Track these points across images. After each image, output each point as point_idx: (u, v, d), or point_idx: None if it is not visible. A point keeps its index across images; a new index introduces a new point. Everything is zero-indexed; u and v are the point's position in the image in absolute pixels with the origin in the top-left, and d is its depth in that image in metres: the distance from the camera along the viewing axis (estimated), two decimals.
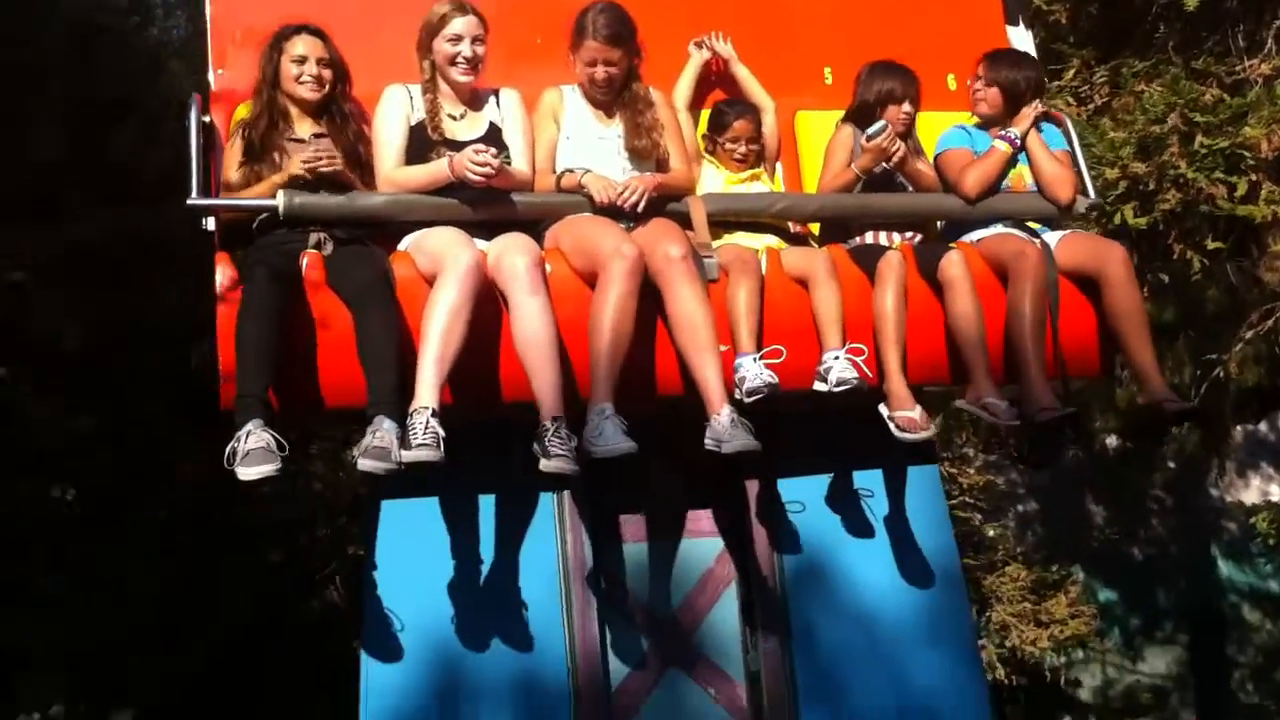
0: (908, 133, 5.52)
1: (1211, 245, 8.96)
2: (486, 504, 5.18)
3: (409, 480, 4.57)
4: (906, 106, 5.51)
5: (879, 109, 5.48)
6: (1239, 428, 14.67)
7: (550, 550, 5.17)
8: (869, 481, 5.54)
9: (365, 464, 4.12)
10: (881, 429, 4.98)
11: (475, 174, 4.65)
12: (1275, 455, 14.70)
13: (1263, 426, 14.88)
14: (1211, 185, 8.56)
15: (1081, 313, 5.24)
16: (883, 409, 4.91)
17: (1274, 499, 12.56)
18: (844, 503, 5.52)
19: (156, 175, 12.06)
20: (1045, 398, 4.86)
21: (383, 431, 4.17)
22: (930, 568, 5.49)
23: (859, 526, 5.52)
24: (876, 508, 5.51)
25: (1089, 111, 9.40)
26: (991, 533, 12.60)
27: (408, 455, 4.14)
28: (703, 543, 5.49)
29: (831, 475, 5.54)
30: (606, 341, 4.46)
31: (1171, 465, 14.70)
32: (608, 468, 4.58)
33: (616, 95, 5.19)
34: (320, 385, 4.57)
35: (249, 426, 4.13)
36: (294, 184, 4.68)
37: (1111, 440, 15.08)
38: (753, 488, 5.41)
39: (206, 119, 4.95)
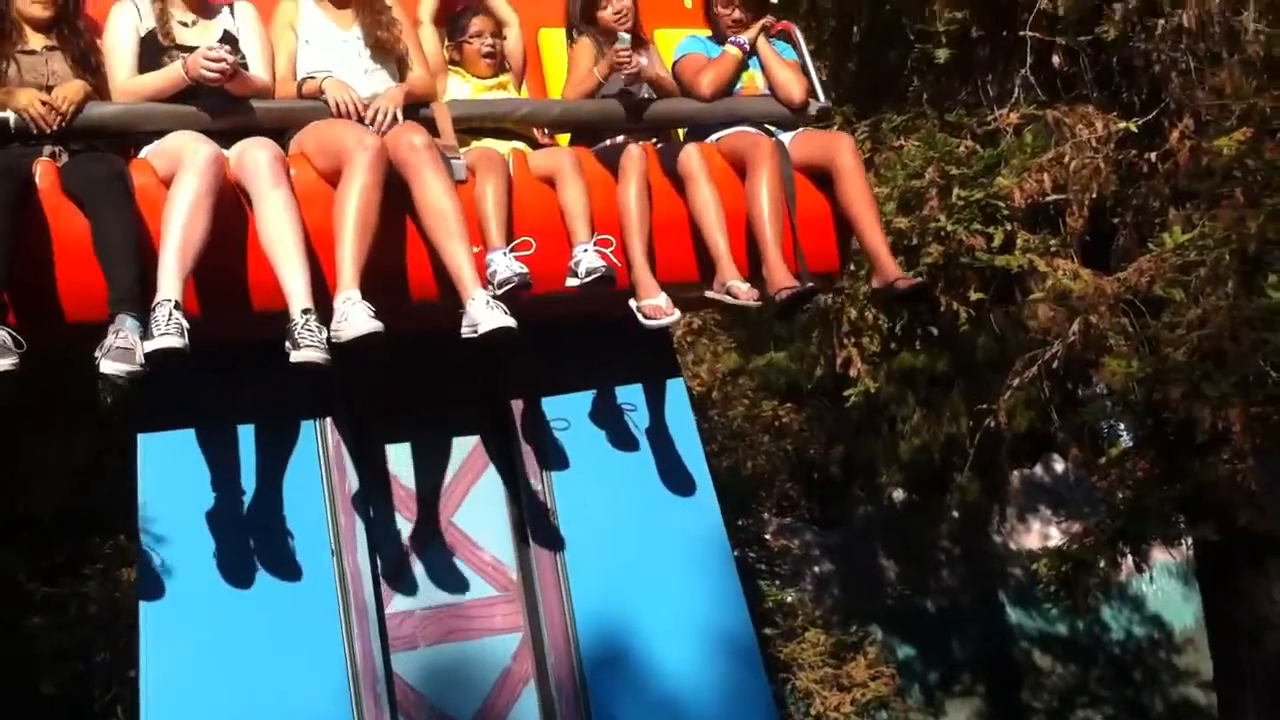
0: (633, 29, 5.59)
1: (975, 296, 9.20)
2: (246, 434, 5.09)
3: (167, 410, 4.70)
4: (616, 3, 5.59)
5: (590, 9, 5.59)
6: (1016, 473, 15.14)
7: (315, 481, 5.13)
8: (630, 396, 5.70)
9: (108, 366, 3.91)
10: (635, 342, 5.18)
11: (210, 69, 4.51)
12: (1052, 497, 15.23)
13: (1038, 470, 15.41)
14: (971, 236, 8.84)
15: (817, 207, 5.40)
16: (631, 302, 4.99)
17: (1053, 542, 12.93)
18: (606, 419, 5.62)
19: None
20: (784, 277, 4.98)
21: (125, 330, 4.00)
22: (684, 485, 5.66)
23: (622, 441, 5.63)
24: (637, 421, 5.66)
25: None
26: (790, 599, 12.65)
27: (150, 345, 3.98)
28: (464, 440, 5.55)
29: (593, 392, 5.65)
30: (351, 228, 4.39)
31: (955, 514, 15.06)
32: (370, 389, 4.71)
33: None
34: (59, 297, 4.38)
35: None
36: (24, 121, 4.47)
37: (898, 494, 15.38)
38: (518, 407, 5.48)
39: None
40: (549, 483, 5.47)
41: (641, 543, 5.52)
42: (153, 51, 4.81)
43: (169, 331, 4.00)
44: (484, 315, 4.35)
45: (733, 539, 5.95)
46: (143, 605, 4.87)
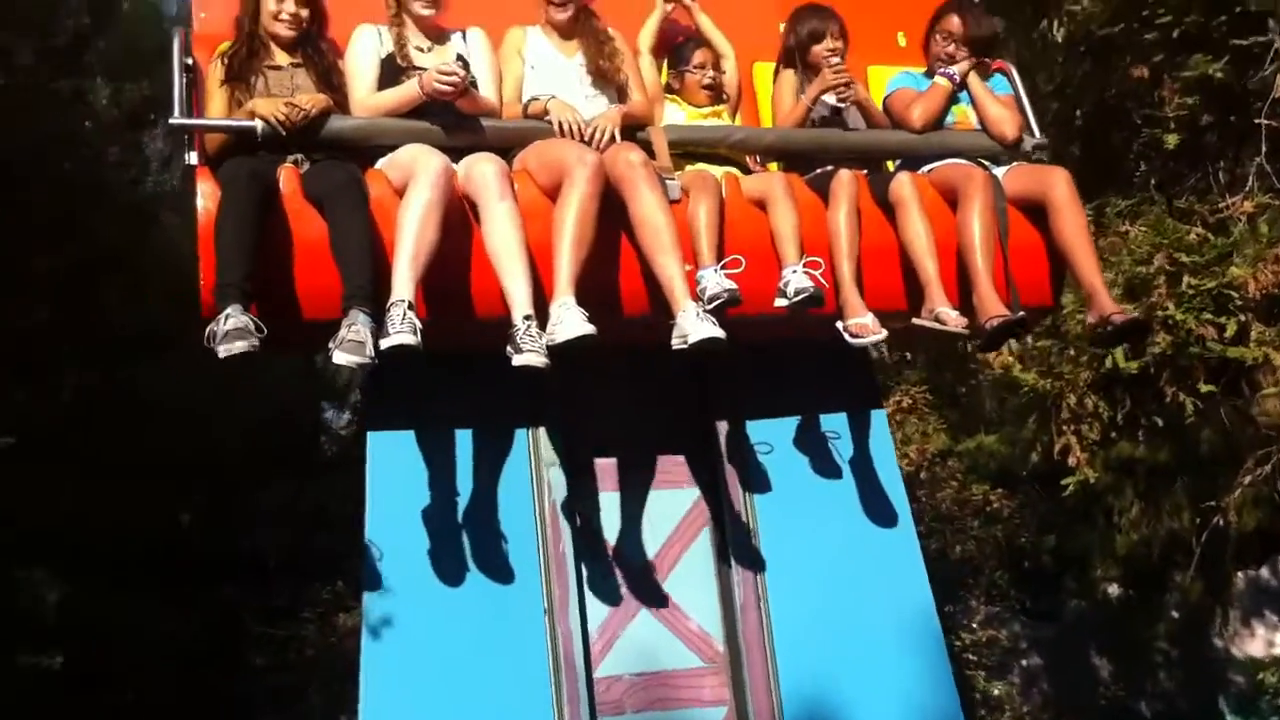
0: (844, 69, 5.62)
1: (1204, 388, 8.90)
2: (464, 438, 5.30)
3: (393, 412, 4.98)
4: (829, 42, 5.64)
5: (803, 51, 5.66)
6: (1241, 574, 14.44)
7: (525, 487, 5.29)
8: (834, 424, 5.74)
9: (340, 356, 4.15)
10: (842, 373, 5.37)
11: (443, 83, 4.79)
12: (1279, 602, 14.45)
13: (1265, 572, 14.65)
14: (1201, 326, 8.56)
15: (1031, 242, 5.34)
16: (839, 323, 5.03)
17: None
18: (810, 445, 5.66)
19: (148, 331, 12.19)
20: (995, 306, 4.93)
21: (358, 325, 4.22)
22: (881, 509, 5.67)
23: (825, 468, 5.68)
24: (841, 449, 5.69)
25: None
26: (997, 691, 12.30)
27: (386, 342, 4.20)
28: (677, 493, 5.60)
29: (799, 418, 5.69)
30: (568, 238, 4.59)
31: (1175, 615, 14.42)
32: (581, 404, 4.99)
33: (576, 25, 5.40)
34: (297, 295, 4.64)
35: (228, 310, 4.21)
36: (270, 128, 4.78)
37: (1113, 589, 14.84)
38: (723, 428, 5.55)
39: (189, 60, 5.08)
40: (752, 508, 5.52)
41: (848, 607, 5.49)
42: (390, 73, 5.09)
43: (404, 329, 4.21)
44: (694, 326, 4.45)
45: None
46: (366, 620, 5.07)
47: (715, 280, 4.74)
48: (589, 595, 5.35)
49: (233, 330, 4.16)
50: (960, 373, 15.42)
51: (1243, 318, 8.55)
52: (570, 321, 4.36)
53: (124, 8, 12.74)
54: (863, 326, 4.94)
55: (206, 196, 4.63)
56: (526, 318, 4.42)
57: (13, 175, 10.96)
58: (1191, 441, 11.88)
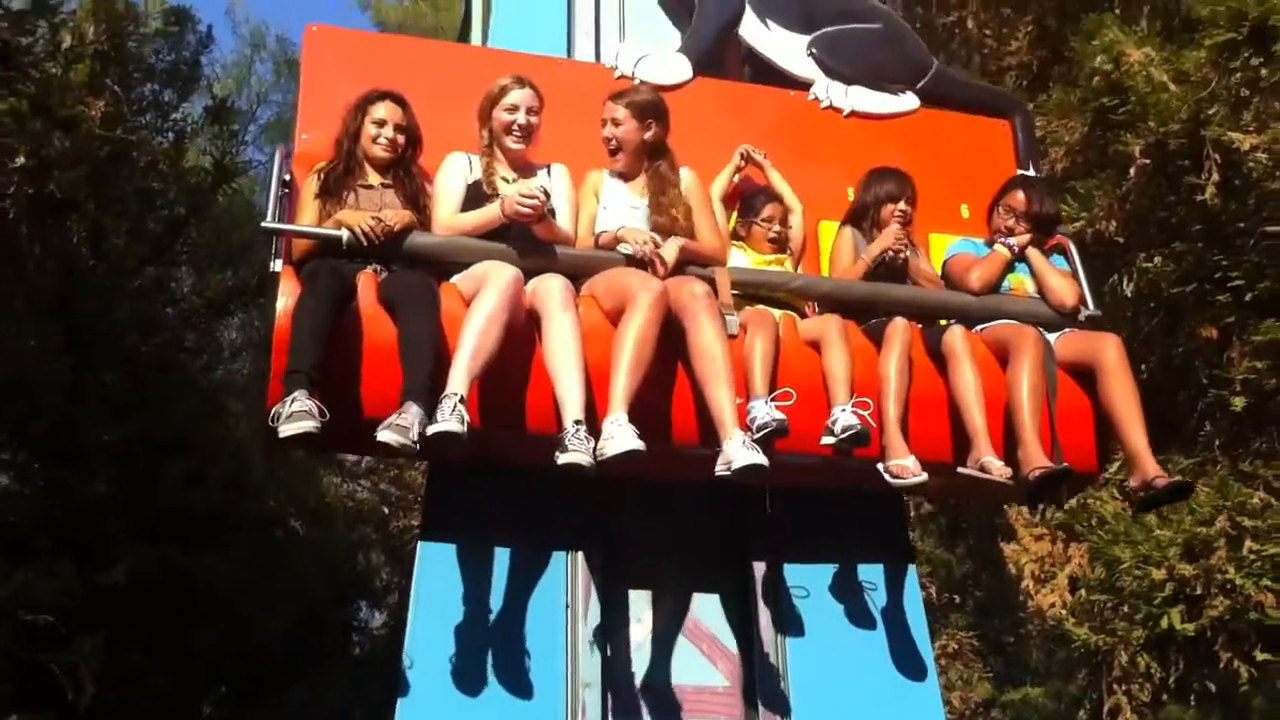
0: (906, 231, 5.80)
1: (1261, 656, 8.73)
2: (502, 556, 5.33)
3: (444, 525, 5.13)
4: (902, 205, 5.82)
5: (876, 209, 5.83)
6: None
7: (559, 611, 5.29)
8: (868, 575, 5.70)
9: (384, 435, 4.26)
10: (877, 526, 5.46)
11: (524, 205, 4.92)
12: None
13: None
14: (1260, 593, 8.44)
15: (1078, 404, 5.34)
16: (880, 465, 5.02)
17: None
18: (843, 592, 5.65)
19: (203, 515, 12.29)
20: (1039, 457, 4.92)
21: (409, 414, 4.33)
22: (909, 662, 5.59)
23: (858, 617, 5.62)
24: (875, 599, 5.66)
25: (1134, 507, 9.40)
26: None
27: (433, 429, 4.28)
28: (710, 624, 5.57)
29: (835, 566, 5.67)
30: (627, 358, 4.67)
31: None
32: (623, 538, 5.13)
33: (638, 165, 5.56)
34: (360, 392, 4.71)
35: (295, 394, 4.30)
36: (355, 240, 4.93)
37: None
38: (759, 569, 5.53)
39: (287, 176, 5.29)
40: (783, 651, 5.46)
41: None
42: (475, 198, 5.25)
43: (451, 419, 4.28)
44: (739, 453, 4.50)
45: None
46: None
47: (765, 410, 4.82)
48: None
49: (297, 412, 4.25)
50: (1009, 621, 15.21)
51: None
52: (621, 437, 4.42)
53: (218, 202, 13.23)
54: (903, 468, 4.94)
55: (287, 295, 4.74)
56: (577, 422, 4.49)
57: (90, 352, 11.27)
58: (1244, 709, 11.59)
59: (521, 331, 4.83)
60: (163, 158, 11.97)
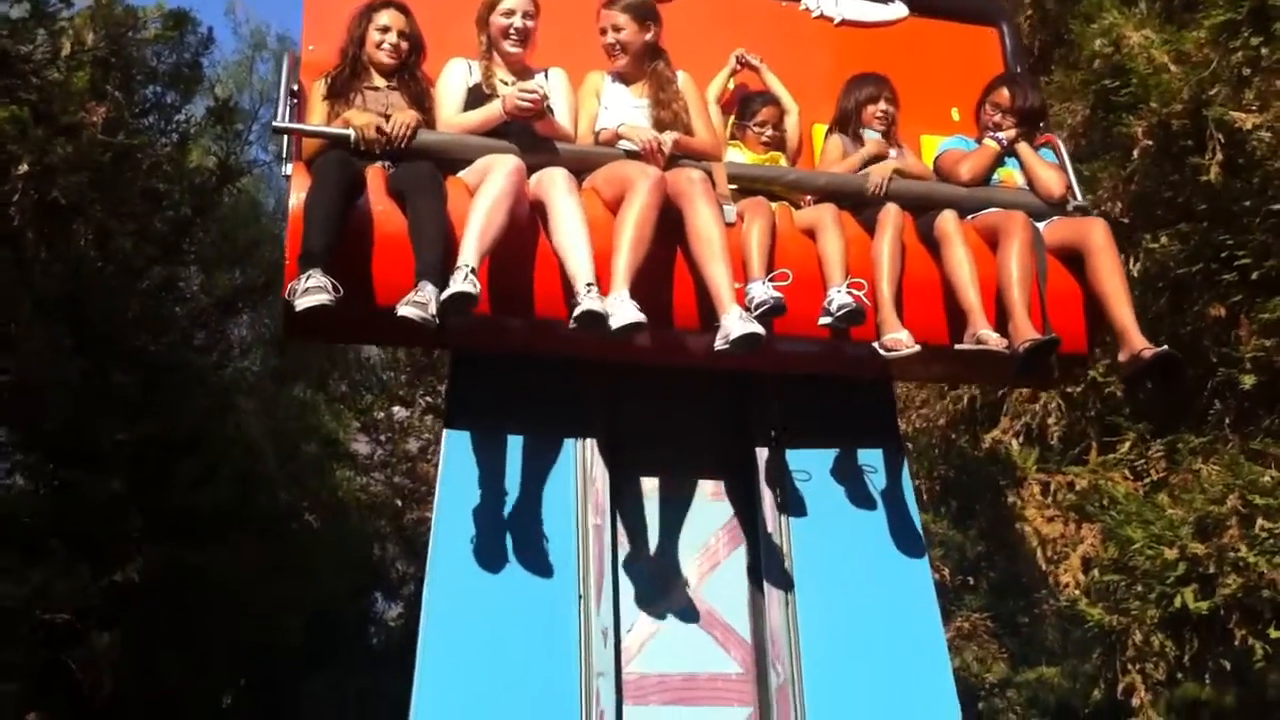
0: (887, 129, 5.94)
1: (1275, 633, 8.72)
2: (519, 443, 5.50)
3: (464, 414, 5.37)
4: (883, 105, 5.95)
5: (858, 112, 5.95)
6: None
7: (570, 492, 5.46)
8: (867, 459, 5.85)
9: (404, 310, 4.43)
10: (873, 410, 5.75)
11: (524, 100, 5.03)
12: None
13: None
14: (1273, 570, 8.43)
15: (1067, 287, 5.47)
16: (875, 343, 5.17)
17: None
18: (843, 475, 5.81)
19: (214, 512, 12.37)
20: (1029, 330, 5.05)
21: (426, 291, 4.50)
22: (902, 540, 5.78)
23: (856, 497, 5.78)
24: (873, 481, 5.81)
25: (1146, 486, 9.40)
26: None
27: (448, 291, 4.48)
28: (715, 505, 5.71)
29: (834, 450, 5.84)
30: (627, 238, 4.84)
31: None
32: (631, 426, 5.39)
33: (640, 68, 5.69)
34: (372, 283, 4.86)
35: (309, 272, 4.48)
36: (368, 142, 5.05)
37: None
38: (762, 454, 5.69)
39: (295, 86, 5.43)
40: (787, 531, 5.62)
41: (868, 625, 5.55)
42: (476, 100, 5.37)
43: (464, 284, 4.49)
44: (736, 325, 4.67)
45: None
46: (428, 586, 5.17)
47: (763, 290, 4.96)
48: (624, 593, 5.44)
49: (313, 287, 4.42)
50: (1023, 601, 15.21)
51: None
52: (624, 311, 4.59)
53: (224, 201, 13.26)
54: (897, 341, 5.08)
55: (299, 189, 4.88)
56: (589, 285, 4.66)
57: (100, 353, 11.32)
58: (1259, 685, 11.59)
59: (526, 220, 4.99)
60: (166, 159, 12.01)
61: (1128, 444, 9.66)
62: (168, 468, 11.96)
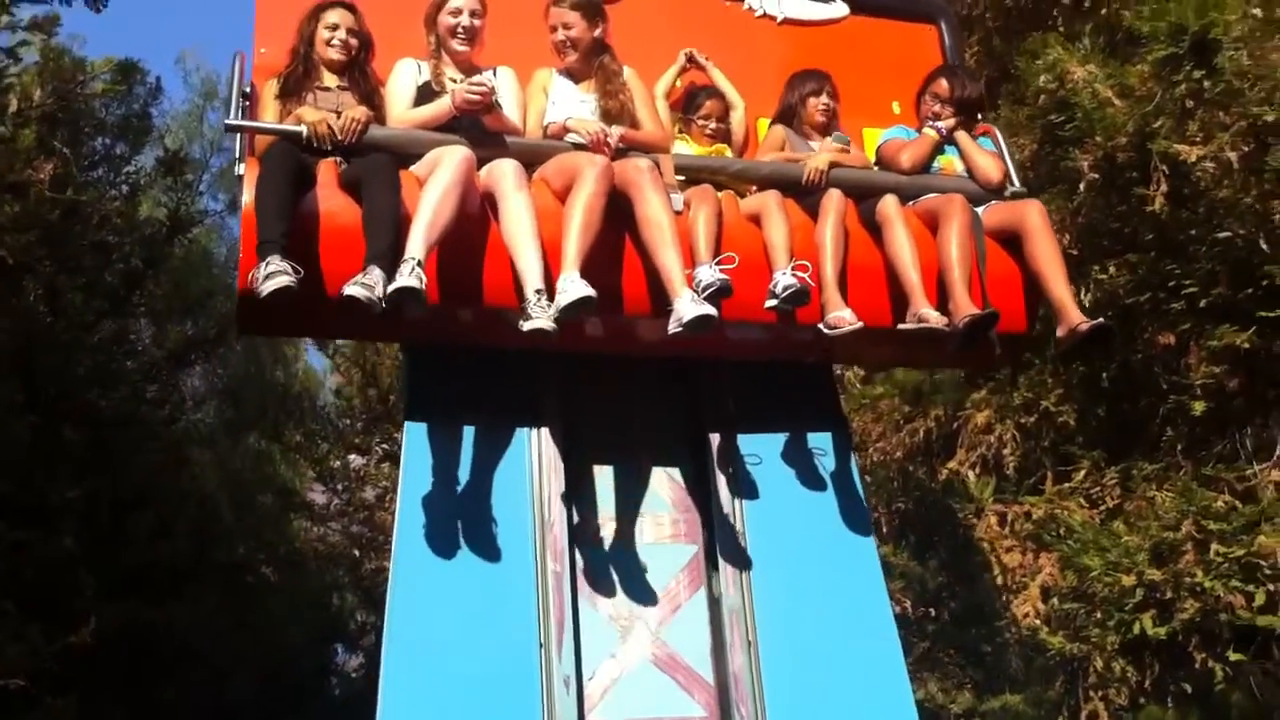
0: (829, 122, 6.15)
1: (1234, 656, 8.79)
2: (469, 434, 5.61)
3: (421, 408, 5.50)
4: (824, 99, 6.15)
5: (801, 105, 6.15)
6: None
7: (524, 481, 5.56)
8: (814, 442, 6.03)
9: (350, 289, 4.49)
10: (816, 393, 6.03)
11: (473, 93, 5.14)
12: None
13: None
14: (1230, 594, 8.49)
15: (1006, 269, 5.64)
16: (820, 324, 5.32)
17: None
18: (792, 458, 5.98)
19: (170, 567, 12.23)
20: (968, 306, 5.24)
21: (373, 274, 4.58)
22: (848, 515, 5.96)
23: (806, 479, 5.95)
24: (823, 464, 5.99)
25: (1101, 514, 9.46)
26: None
27: (393, 285, 4.54)
28: (675, 548, 5.77)
29: (783, 434, 6.01)
30: (576, 223, 4.96)
31: None
32: (584, 415, 5.60)
33: (588, 64, 5.82)
34: (322, 274, 4.90)
35: (268, 258, 4.55)
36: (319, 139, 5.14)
37: None
38: (715, 440, 5.83)
39: (247, 88, 5.53)
40: (741, 513, 5.73)
41: (819, 603, 5.63)
42: (425, 97, 5.48)
43: (409, 278, 4.57)
44: (689, 308, 4.78)
45: None
46: (389, 619, 5.19)
47: (710, 273, 5.04)
48: (586, 639, 5.44)
49: (274, 271, 4.50)
50: (984, 630, 15.24)
51: (1271, 587, 8.48)
52: (574, 288, 4.72)
53: (175, 252, 13.18)
54: (840, 319, 5.23)
55: (252, 184, 4.94)
56: (538, 291, 4.75)
57: (51, 409, 11.20)
58: (1223, 706, 11.64)
59: (476, 211, 5.10)
60: (116, 212, 11.94)
61: (1082, 472, 9.73)
62: (120, 524, 11.81)
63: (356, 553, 19.18)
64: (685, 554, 5.75)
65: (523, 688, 5.17)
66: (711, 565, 5.66)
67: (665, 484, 5.85)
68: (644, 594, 5.61)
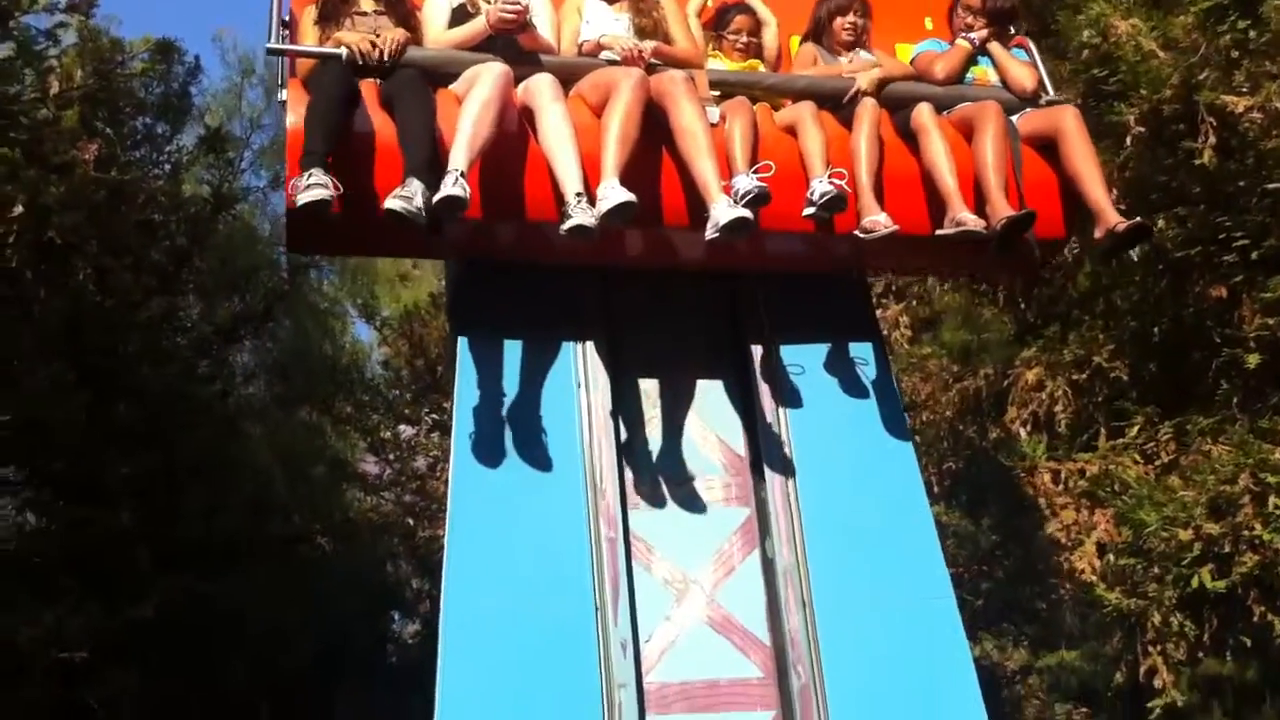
0: (856, 40, 6.13)
1: None
2: (513, 349, 5.74)
3: (471, 321, 5.68)
4: (852, 17, 6.13)
5: (829, 22, 6.15)
6: None
7: (570, 395, 5.67)
8: (856, 351, 6.11)
9: (391, 203, 4.62)
10: (851, 306, 6.11)
11: (507, 12, 5.20)
12: None
13: None
14: None
15: (1042, 175, 5.68)
16: (856, 231, 5.37)
17: None
18: (835, 368, 6.07)
19: (225, 541, 12.37)
20: (1005, 208, 5.27)
21: (411, 186, 4.69)
22: (887, 421, 6.02)
23: (849, 387, 6.04)
24: (865, 373, 6.06)
25: (1157, 470, 9.38)
26: None
27: (439, 195, 4.66)
28: (728, 510, 5.78)
29: (825, 345, 6.09)
30: (614, 134, 5.03)
31: None
32: (628, 329, 5.76)
33: None
34: (371, 191, 5.01)
35: (310, 170, 4.68)
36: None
37: None
38: (757, 351, 5.94)
39: (286, 17, 5.69)
40: (785, 421, 5.80)
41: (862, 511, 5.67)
42: (461, 20, 5.54)
43: (454, 188, 4.67)
44: (725, 213, 4.83)
45: None
46: (452, 496, 5.35)
47: (748, 181, 5.08)
48: (641, 603, 5.46)
49: (314, 184, 4.62)
50: (1039, 588, 15.18)
51: None
52: (615, 194, 4.79)
53: (220, 229, 13.26)
54: (875, 223, 5.27)
55: (296, 109, 5.06)
56: (578, 194, 4.85)
57: (104, 387, 11.31)
58: None
59: (515, 127, 5.19)
60: (160, 191, 12.01)
61: (1136, 428, 9.62)
62: (176, 499, 11.95)
63: (410, 521, 19.34)
64: (738, 517, 5.73)
65: (580, 652, 5.17)
66: (764, 528, 5.63)
67: (716, 447, 5.85)
68: (698, 557, 5.61)
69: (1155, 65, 8.61)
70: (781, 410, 5.81)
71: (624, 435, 5.72)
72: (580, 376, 5.67)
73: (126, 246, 11.31)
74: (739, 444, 5.87)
